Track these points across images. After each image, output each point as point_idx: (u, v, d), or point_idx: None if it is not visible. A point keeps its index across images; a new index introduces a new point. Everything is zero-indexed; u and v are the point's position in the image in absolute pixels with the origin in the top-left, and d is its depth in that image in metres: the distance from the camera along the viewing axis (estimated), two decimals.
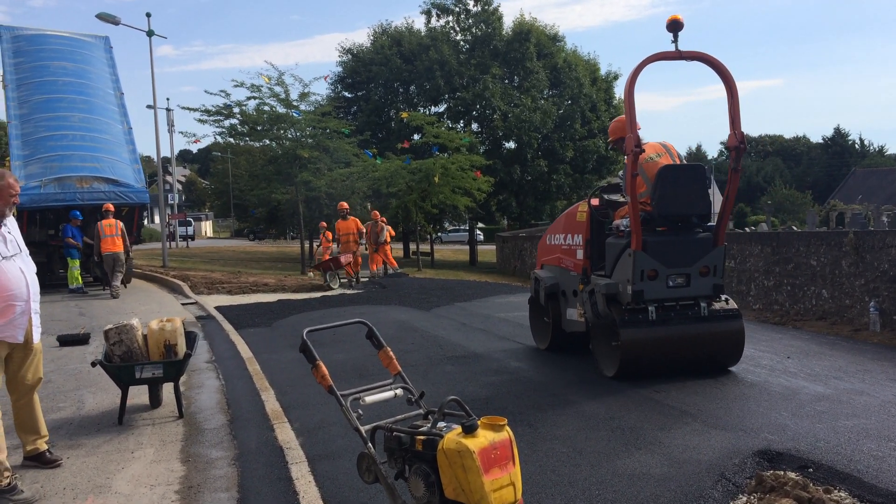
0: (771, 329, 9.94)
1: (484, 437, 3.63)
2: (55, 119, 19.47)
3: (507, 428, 3.73)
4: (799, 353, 8.22)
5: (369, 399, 4.27)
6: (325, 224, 25.44)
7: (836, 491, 4.29)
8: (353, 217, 19.39)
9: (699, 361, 7.15)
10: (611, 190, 8.01)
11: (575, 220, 8.10)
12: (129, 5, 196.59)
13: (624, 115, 7.01)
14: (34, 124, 19.22)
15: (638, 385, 6.77)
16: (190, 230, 59.32)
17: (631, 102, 6.79)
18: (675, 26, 6.77)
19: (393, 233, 24.14)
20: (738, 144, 6.92)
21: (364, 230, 19.99)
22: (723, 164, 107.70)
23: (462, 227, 58.17)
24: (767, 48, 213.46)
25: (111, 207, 16.65)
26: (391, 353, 4.56)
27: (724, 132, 7.11)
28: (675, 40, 6.80)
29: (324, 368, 4.25)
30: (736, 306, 7.33)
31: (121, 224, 16.46)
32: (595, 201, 7.93)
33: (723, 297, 7.25)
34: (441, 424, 3.88)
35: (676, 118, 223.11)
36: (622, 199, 7.59)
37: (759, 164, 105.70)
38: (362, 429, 4.12)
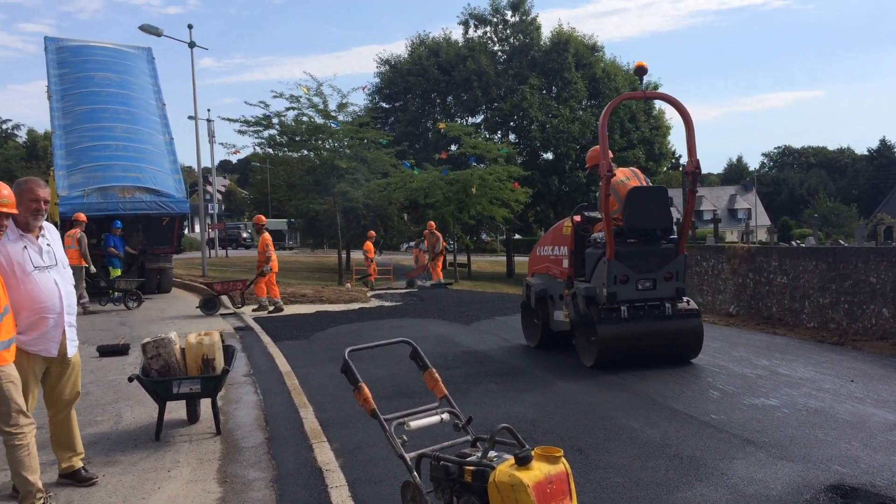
0: (829, 349, 9.50)
1: (539, 470, 3.38)
2: (98, 129, 19.66)
3: (564, 460, 3.48)
4: (863, 376, 7.79)
5: (414, 424, 4.04)
6: (373, 233, 25.57)
7: None
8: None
9: (665, 354, 8.32)
10: (590, 208, 9.38)
11: (561, 233, 9.35)
12: (172, 18, 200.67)
13: (599, 145, 8.24)
14: (78, 134, 19.43)
15: (694, 409, 6.44)
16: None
17: (604, 134, 8.16)
18: (640, 71, 8.54)
19: (444, 244, 24.45)
20: (694, 170, 8.18)
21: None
22: (764, 175, 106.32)
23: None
24: (809, 59, 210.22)
25: (81, 217, 15.76)
26: (436, 374, 4.34)
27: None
28: (641, 83, 9.00)
29: (367, 391, 4.04)
30: (696, 307, 8.54)
31: (78, 234, 15.29)
32: (577, 218, 9.15)
33: (685, 298, 8.45)
34: (492, 454, 3.63)
35: (717, 128, 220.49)
36: (599, 216, 8.73)
37: (801, 177, 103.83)
38: (407, 456, 3.89)
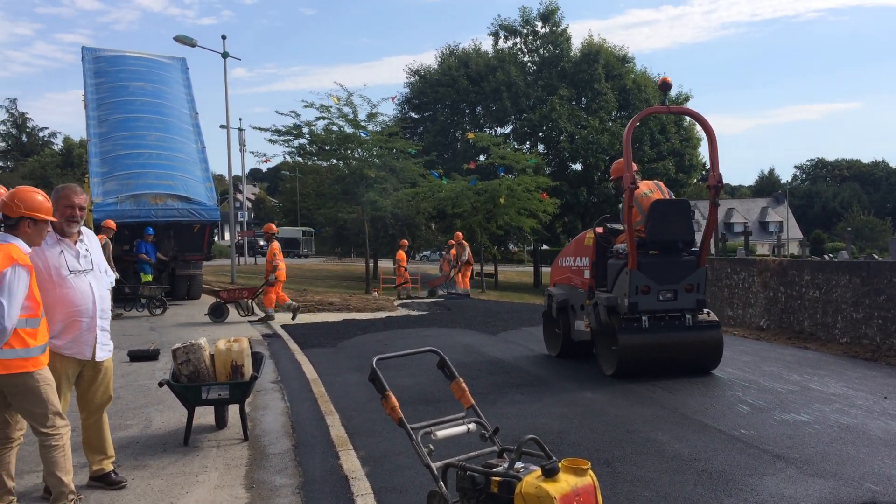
0: (862, 365, 9.33)
1: (566, 482, 3.36)
2: (132, 138, 20.00)
3: (591, 472, 3.46)
4: None
5: (441, 434, 4.04)
6: (406, 242, 25.70)
7: None
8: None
9: (685, 364, 8.40)
10: (612, 219, 9.49)
11: (583, 245, 9.47)
12: (206, 28, 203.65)
13: (623, 158, 8.37)
14: (112, 142, 19.77)
15: (723, 424, 6.37)
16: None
17: (628, 147, 8.33)
18: (665, 87, 8.63)
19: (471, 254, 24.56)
20: (717, 184, 8.30)
21: None
22: (796, 188, 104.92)
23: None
24: (843, 70, 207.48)
25: (110, 224, 15.76)
26: (464, 384, 4.33)
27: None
28: (665, 98, 8.77)
29: (394, 400, 4.05)
30: (717, 318, 8.62)
31: (104, 241, 14.50)
32: (600, 229, 9.26)
33: (705, 310, 8.52)
34: (518, 465, 3.61)
35: (748, 140, 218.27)
36: (621, 228, 8.79)
37: (835, 189, 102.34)
38: (434, 466, 3.88)
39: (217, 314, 15.04)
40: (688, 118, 45.89)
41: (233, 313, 15.52)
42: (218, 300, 15.43)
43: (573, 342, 9.64)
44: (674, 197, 9.02)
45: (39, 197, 4.53)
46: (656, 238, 8.34)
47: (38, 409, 4.41)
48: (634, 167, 8.51)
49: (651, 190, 8.72)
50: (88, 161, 20.08)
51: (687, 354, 8.41)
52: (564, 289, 9.92)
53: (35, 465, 5.09)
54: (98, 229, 15.74)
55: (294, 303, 15.43)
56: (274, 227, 15.99)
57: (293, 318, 14.95)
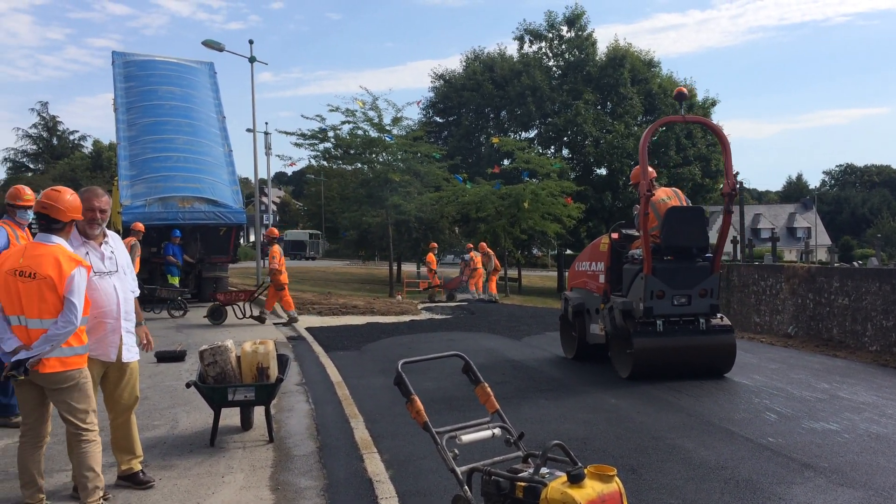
0: (892, 374, 9.18)
1: (591, 489, 3.33)
2: (161, 141, 20.22)
3: (617, 479, 3.43)
4: None
5: (466, 438, 4.02)
6: (435, 245, 25.83)
7: None
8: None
9: (698, 368, 8.56)
10: (627, 225, 9.65)
11: (598, 250, 9.72)
12: (233, 33, 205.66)
13: (640, 165, 8.60)
14: (141, 146, 20.01)
15: (750, 432, 6.30)
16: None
17: (644, 156, 8.55)
18: (681, 97, 8.93)
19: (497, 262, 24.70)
20: (731, 191, 8.53)
21: None
22: (825, 193, 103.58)
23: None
24: (873, 75, 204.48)
25: (139, 227, 15.77)
26: (489, 389, 4.32)
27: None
28: (681, 107, 9.43)
29: (419, 403, 4.04)
30: (730, 323, 8.86)
31: (132, 242, 14.63)
32: (615, 235, 9.45)
33: (718, 314, 8.73)
34: (544, 471, 3.59)
35: (776, 145, 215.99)
36: (637, 233, 8.96)
37: (864, 196, 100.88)
38: (458, 470, 3.87)
39: (215, 316, 15.14)
40: (716, 120, 45.55)
41: (232, 316, 15.56)
42: (216, 302, 15.49)
43: (588, 345, 9.88)
44: (690, 204, 9.21)
45: (69, 196, 4.67)
46: (671, 244, 8.55)
47: (81, 405, 4.53)
48: (652, 174, 8.72)
49: (668, 196, 8.91)
50: (117, 164, 20.35)
51: (700, 358, 8.60)
52: (580, 293, 10.16)
53: (63, 463, 5.16)
54: (127, 231, 15.95)
55: (295, 313, 15.27)
56: (276, 231, 16.08)
57: (286, 324, 14.83)
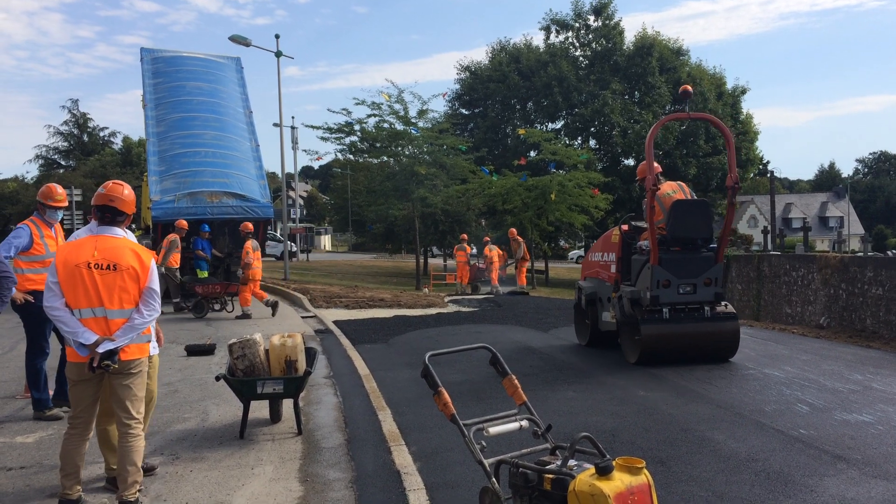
0: None
1: (620, 481, 3.31)
2: (189, 137, 20.40)
3: (646, 471, 3.40)
4: None
5: (493, 430, 4.02)
6: (465, 236, 26.06)
7: None
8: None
9: (703, 353, 8.93)
10: (637, 218, 9.99)
11: (610, 241, 10.11)
12: (260, 28, 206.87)
13: (646, 161, 9.04)
14: (170, 141, 20.20)
15: (781, 423, 6.22)
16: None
17: (650, 152, 9.01)
18: (685, 95, 9.23)
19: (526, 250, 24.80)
20: (734, 185, 8.94)
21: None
22: (858, 182, 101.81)
23: None
24: None
25: (182, 224, 16.41)
26: (516, 381, 4.31)
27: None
28: (685, 105, 9.40)
29: (446, 396, 4.05)
30: (734, 310, 9.16)
31: (171, 238, 15.98)
32: (625, 227, 9.83)
33: (723, 302, 9.07)
34: (572, 463, 3.58)
35: (808, 133, 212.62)
36: (645, 226, 9.25)
37: None
38: (486, 462, 3.87)
39: (197, 309, 15.28)
40: (746, 108, 45.01)
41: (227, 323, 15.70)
42: (197, 297, 15.55)
43: (601, 332, 10.28)
44: (696, 197, 9.60)
45: (126, 190, 4.87)
46: (677, 235, 8.95)
47: (140, 394, 4.68)
48: (658, 168, 9.22)
49: (674, 190, 9.30)
50: (147, 160, 20.55)
51: (705, 344, 8.98)
52: (593, 282, 10.61)
53: (96, 456, 5.23)
54: (158, 227, 16.19)
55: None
56: (250, 225, 16.07)
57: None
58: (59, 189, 7.15)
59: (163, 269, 15.67)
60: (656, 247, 8.76)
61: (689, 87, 9.55)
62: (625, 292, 9.23)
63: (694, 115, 10.01)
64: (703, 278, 8.90)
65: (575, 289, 11.36)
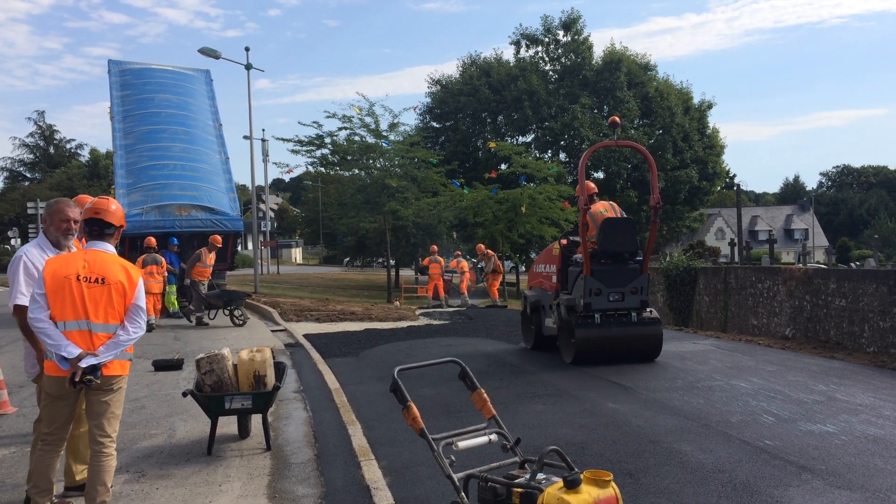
0: (889, 375, 9.18)
1: (588, 494, 3.34)
2: (158, 149, 20.24)
3: (614, 484, 3.43)
4: None
5: (462, 444, 4.04)
6: (435, 248, 26.12)
7: None
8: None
9: (630, 354, 9.96)
10: (576, 233, 10.95)
11: (551, 254, 11.21)
12: (230, 41, 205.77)
13: (579, 184, 10.32)
14: (138, 154, 20.02)
15: (747, 435, 6.30)
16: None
17: (582, 174, 10.38)
18: (613, 125, 10.30)
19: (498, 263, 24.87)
20: (656, 205, 9.96)
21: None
22: (822, 195, 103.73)
23: None
24: (869, 76, 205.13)
25: (151, 242, 16.89)
26: (485, 395, 4.33)
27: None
28: (614, 133, 10.86)
29: (415, 410, 4.06)
30: (657, 316, 10.24)
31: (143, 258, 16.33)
32: (564, 241, 10.90)
33: (648, 309, 10.10)
34: (540, 476, 3.60)
35: (773, 147, 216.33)
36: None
37: (861, 197, 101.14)
38: (455, 476, 3.88)
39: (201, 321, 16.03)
40: (713, 122, 45.72)
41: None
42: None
43: (544, 336, 11.23)
44: (625, 216, 10.52)
45: (113, 206, 4.84)
46: (607, 249, 9.90)
47: (118, 411, 4.61)
48: (593, 188, 10.60)
49: (605, 209, 10.31)
50: (114, 172, 20.35)
51: (632, 346, 10.00)
52: (537, 291, 11.63)
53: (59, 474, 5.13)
54: (139, 241, 16.44)
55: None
56: (219, 238, 16.58)
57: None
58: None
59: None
60: (588, 260, 9.68)
61: (618, 118, 10.66)
62: (562, 300, 10.26)
63: (621, 143, 11.25)
64: (631, 287, 9.85)
65: (522, 298, 12.43)
